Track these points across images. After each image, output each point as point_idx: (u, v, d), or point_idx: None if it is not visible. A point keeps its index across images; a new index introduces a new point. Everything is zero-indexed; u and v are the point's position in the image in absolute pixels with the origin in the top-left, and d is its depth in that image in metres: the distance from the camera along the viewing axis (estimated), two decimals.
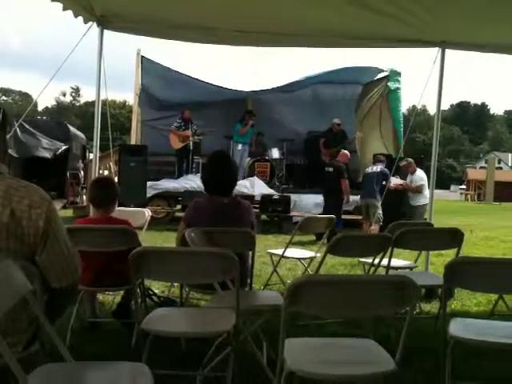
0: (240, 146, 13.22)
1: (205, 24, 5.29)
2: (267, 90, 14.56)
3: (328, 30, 5.46)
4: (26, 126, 14.08)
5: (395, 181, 9.58)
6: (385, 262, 4.16)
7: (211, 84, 13.96)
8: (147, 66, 13.25)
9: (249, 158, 13.34)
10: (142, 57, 13.15)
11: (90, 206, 4.41)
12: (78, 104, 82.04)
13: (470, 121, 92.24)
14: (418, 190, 9.10)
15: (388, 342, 2.45)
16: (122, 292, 4.21)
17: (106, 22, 5.18)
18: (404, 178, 9.93)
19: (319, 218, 6.04)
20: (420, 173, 9.31)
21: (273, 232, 10.70)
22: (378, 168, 9.59)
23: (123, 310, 4.05)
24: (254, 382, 3.10)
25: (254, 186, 12.03)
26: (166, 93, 14.09)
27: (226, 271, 2.69)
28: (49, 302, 2.18)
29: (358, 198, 10.28)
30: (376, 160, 10.04)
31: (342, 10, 4.62)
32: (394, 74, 13.29)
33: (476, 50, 5.77)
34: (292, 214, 11.50)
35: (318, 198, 11.49)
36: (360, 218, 10.50)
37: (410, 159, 9.72)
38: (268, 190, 12.16)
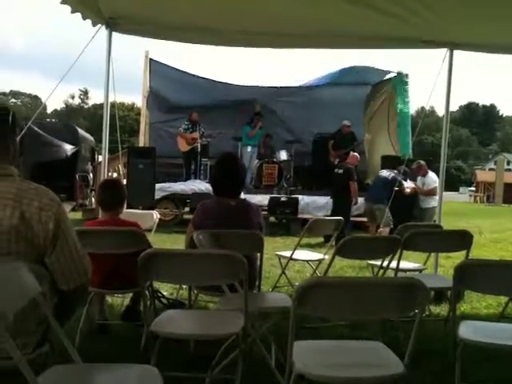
0: (249, 149, 13.24)
1: (212, 26, 5.29)
2: (276, 87, 14.50)
3: (333, 31, 5.45)
4: (36, 129, 14.15)
5: (407, 184, 9.52)
6: (393, 264, 4.15)
7: (220, 82, 13.90)
8: (155, 68, 13.29)
9: (257, 160, 13.35)
10: (151, 59, 13.20)
11: (99, 209, 4.42)
12: (86, 106, 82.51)
13: (479, 122, 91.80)
14: (432, 193, 8.99)
15: (397, 345, 2.44)
16: (130, 294, 4.23)
17: (114, 24, 5.19)
18: (413, 179, 9.88)
19: (327, 220, 6.03)
20: (432, 175, 9.22)
21: (281, 234, 10.69)
22: (390, 175, 9.29)
23: (132, 313, 4.06)
24: None
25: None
26: (174, 95, 14.12)
27: (234, 273, 2.69)
28: (58, 303, 2.19)
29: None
30: (391, 166, 9.76)
31: (347, 11, 4.61)
32: (402, 76, 13.25)
33: (484, 51, 5.74)
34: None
35: (325, 200, 11.50)
36: None
37: (421, 161, 9.62)
38: None
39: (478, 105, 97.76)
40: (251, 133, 13.23)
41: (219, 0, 4.64)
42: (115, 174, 12.97)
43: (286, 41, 5.71)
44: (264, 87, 14.78)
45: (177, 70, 13.59)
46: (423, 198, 9.26)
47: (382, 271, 4.37)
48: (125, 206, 4.14)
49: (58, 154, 14.64)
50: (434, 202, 8.78)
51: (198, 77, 13.75)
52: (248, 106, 14.22)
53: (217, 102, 14.20)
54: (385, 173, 9.58)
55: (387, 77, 13.80)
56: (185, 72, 13.68)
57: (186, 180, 12.56)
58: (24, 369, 1.68)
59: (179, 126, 12.99)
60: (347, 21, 4.99)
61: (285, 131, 14.51)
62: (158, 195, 11.49)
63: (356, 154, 10.46)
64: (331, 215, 9.50)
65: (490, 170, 53.74)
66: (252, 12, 4.91)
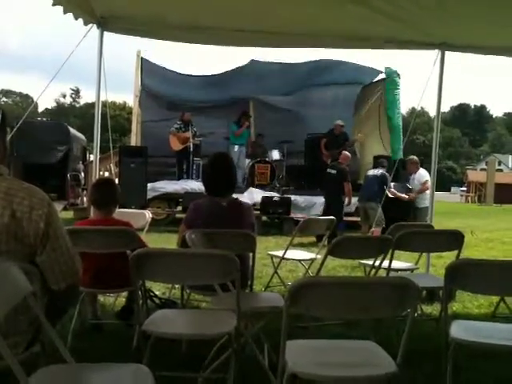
0: (236, 148, 13.19)
1: (205, 25, 5.29)
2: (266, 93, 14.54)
3: (325, 31, 5.45)
4: (26, 128, 14.05)
5: (397, 190, 9.60)
6: (385, 263, 4.16)
7: (211, 75, 13.80)
8: (147, 67, 13.25)
9: (248, 160, 13.34)
10: (142, 58, 13.16)
11: (91, 208, 4.41)
12: (77, 105, 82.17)
13: (470, 123, 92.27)
14: (425, 189, 8.93)
15: (389, 344, 2.45)
16: (123, 294, 4.21)
17: (106, 23, 5.17)
18: (404, 181, 9.97)
19: (320, 220, 6.04)
20: (422, 171, 9.20)
21: (273, 233, 10.69)
22: (378, 171, 9.51)
23: (127, 312, 4.04)
24: None
25: (252, 197, 11.95)
26: (167, 93, 14.09)
27: (226, 273, 2.69)
28: (49, 303, 2.18)
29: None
30: (378, 164, 10.04)
31: (341, 10, 4.63)
32: (393, 76, 13.29)
33: (475, 52, 5.77)
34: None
35: (317, 200, 11.52)
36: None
37: (414, 157, 9.50)
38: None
39: (468, 105, 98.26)
40: (237, 132, 13.25)
41: None
42: (107, 174, 12.93)
43: (281, 40, 5.70)
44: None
45: (169, 70, 13.56)
46: (418, 197, 9.25)
47: (374, 271, 4.38)
48: (117, 205, 4.12)
49: (49, 155, 14.60)
50: (428, 202, 8.71)
51: (190, 76, 13.71)
52: (241, 106, 14.22)
53: (210, 102, 14.19)
54: (372, 171, 9.76)
55: (379, 77, 13.83)
56: (176, 71, 13.64)
57: (178, 179, 12.54)
58: (15, 369, 1.67)
59: (171, 126, 12.96)
60: (340, 20, 5.00)
61: (277, 131, 14.52)
62: (150, 195, 11.47)
63: (347, 153, 10.50)
64: (323, 215, 9.51)
65: (482, 170, 53.95)
66: (248, 11, 4.90)
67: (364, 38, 5.50)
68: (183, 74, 13.74)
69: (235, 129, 13.28)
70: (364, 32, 5.32)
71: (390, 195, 9.21)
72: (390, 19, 4.73)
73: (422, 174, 9.10)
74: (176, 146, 12.74)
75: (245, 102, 14.74)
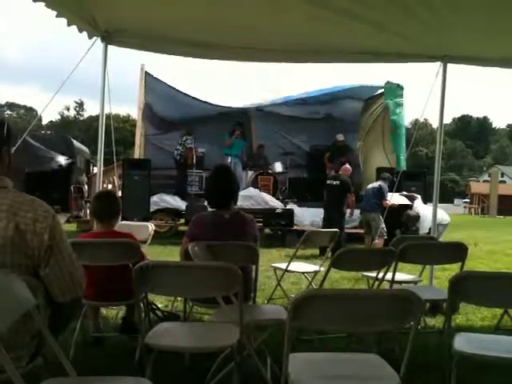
0: (230, 159, 13.08)
1: (208, 40, 5.32)
2: (268, 105, 14.61)
3: (329, 46, 5.49)
4: (31, 141, 14.11)
5: (398, 198, 9.63)
6: (389, 276, 4.15)
7: (213, 104, 13.98)
8: (151, 82, 13.29)
9: (251, 172, 13.35)
10: (146, 72, 13.21)
11: (94, 220, 4.41)
12: (81, 118, 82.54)
13: (473, 134, 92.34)
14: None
15: (392, 357, 2.43)
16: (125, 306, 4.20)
17: (110, 37, 5.20)
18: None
19: (323, 232, 6.03)
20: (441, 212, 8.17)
21: (276, 246, 10.67)
22: (377, 184, 9.73)
23: (129, 326, 4.03)
24: None
25: (268, 201, 12.03)
26: (168, 111, 14.16)
27: (229, 285, 2.69)
28: (52, 316, 2.18)
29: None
30: (380, 177, 10.10)
31: (342, 26, 4.65)
32: (394, 87, 13.32)
33: (478, 64, 5.78)
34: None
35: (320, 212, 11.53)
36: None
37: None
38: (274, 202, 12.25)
39: (471, 117, 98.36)
40: (226, 142, 13.28)
41: (215, 14, 4.66)
42: (110, 186, 12.96)
43: (284, 56, 5.74)
44: (254, 107, 14.85)
45: (171, 86, 13.63)
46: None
47: (377, 283, 4.37)
48: (119, 217, 4.13)
49: (51, 165, 14.62)
50: (443, 218, 8.50)
51: (191, 97, 13.78)
52: (242, 119, 14.29)
53: (210, 118, 14.29)
54: (372, 184, 9.96)
55: (381, 90, 13.88)
56: (179, 90, 13.71)
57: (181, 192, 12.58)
58: (18, 382, 1.67)
59: (173, 139, 13.12)
60: (342, 35, 5.03)
61: (279, 143, 14.58)
62: (152, 207, 11.49)
63: (348, 166, 10.52)
64: (323, 227, 9.52)
65: (485, 181, 53.88)
66: (253, 28, 4.93)
67: (367, 52, 5.52)
68: (186, 94, 13.77)
69: (226, 139, 13.37)
70: (366, 46, 5.34)
71: (386, 204, 9.30)
72: (392, 34, 4.76)
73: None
74: (189, 160, 12.99)
75: (246, 114, 14.80)
